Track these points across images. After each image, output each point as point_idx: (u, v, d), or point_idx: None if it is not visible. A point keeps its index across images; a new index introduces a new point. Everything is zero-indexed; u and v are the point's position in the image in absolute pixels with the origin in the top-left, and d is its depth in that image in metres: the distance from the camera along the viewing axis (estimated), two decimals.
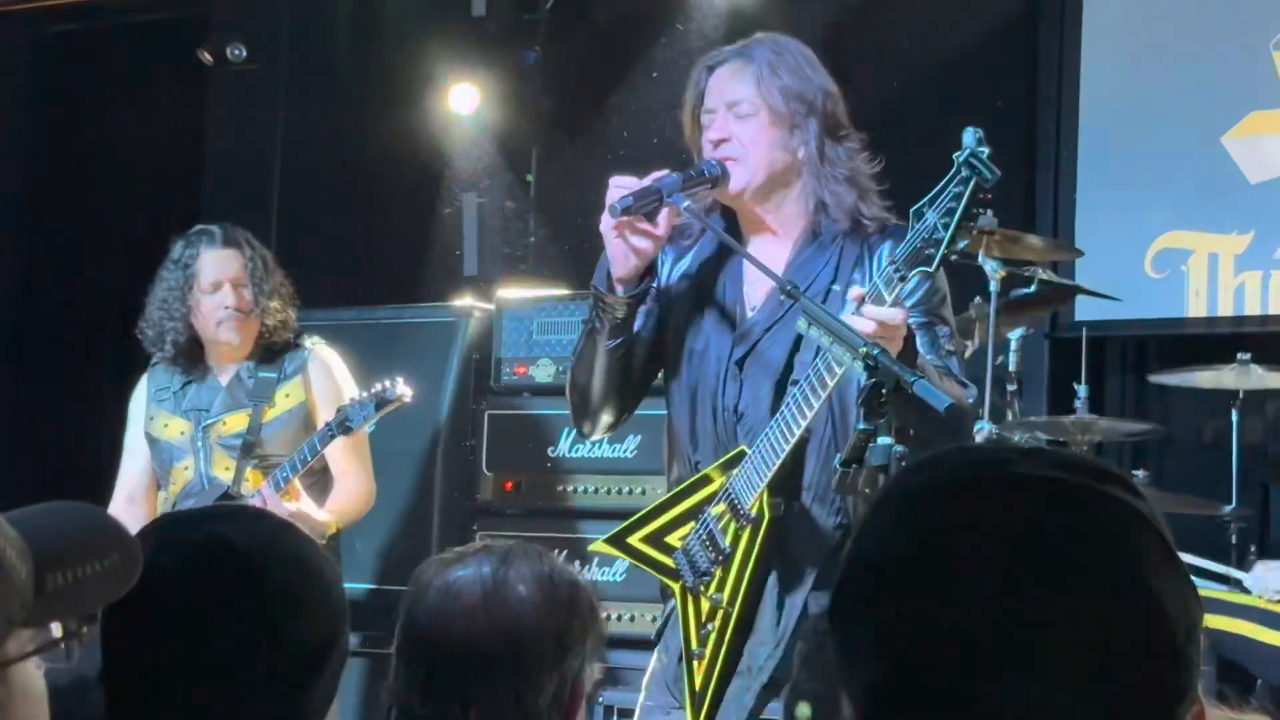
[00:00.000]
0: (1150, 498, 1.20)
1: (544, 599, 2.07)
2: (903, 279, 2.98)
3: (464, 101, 7.05)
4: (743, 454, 3.23)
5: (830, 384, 3.06)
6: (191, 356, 4.83)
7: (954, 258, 3.00)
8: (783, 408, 3.16)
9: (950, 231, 2.91)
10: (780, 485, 3.23)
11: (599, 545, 3.47)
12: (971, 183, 2.89)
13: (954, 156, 2.91)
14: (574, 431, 5.64)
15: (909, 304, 3.05)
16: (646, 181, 3.30)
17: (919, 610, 1.14)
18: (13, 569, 1.22)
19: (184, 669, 1.69)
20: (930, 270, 2.95)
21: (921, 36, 6.51)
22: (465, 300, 6.19)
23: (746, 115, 3.36)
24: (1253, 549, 5.31)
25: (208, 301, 4.74)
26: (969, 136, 2.90)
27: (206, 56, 7.04)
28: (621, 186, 3.29)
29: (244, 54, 6.99)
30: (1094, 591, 1.12)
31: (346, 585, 6.20)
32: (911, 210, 3.00)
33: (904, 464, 1.35)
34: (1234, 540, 5.30)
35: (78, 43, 7.79)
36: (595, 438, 3.66)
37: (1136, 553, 1.15)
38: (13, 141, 7.76)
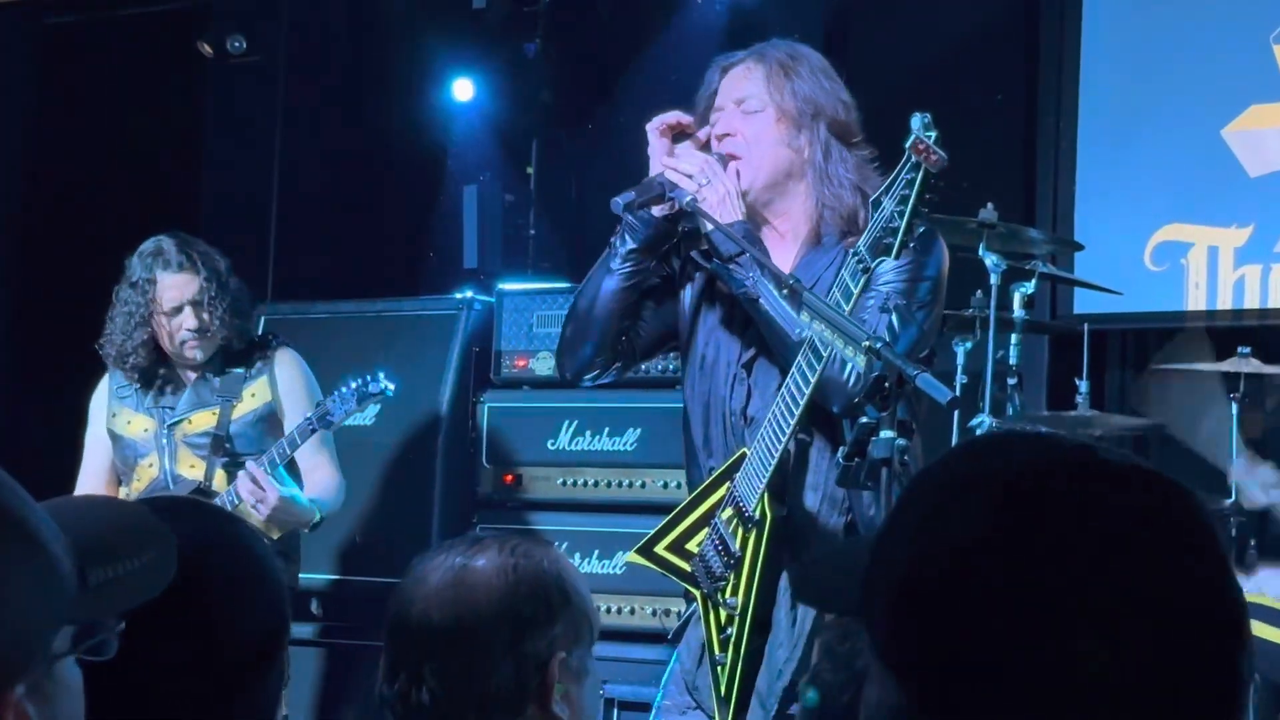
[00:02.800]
0: None
1: (501, 583, 2.09)
2: (866, 270, 3.01)
3: (463, 94, 7.05)
4: (744, 457, 3.23)
5: (814, 379, 3.06)
6: (153, 369, 4.89)
7: (912, 244, 3.02)
8: (772, 407, 3.16)
9: (905, 219, 2.93)
10: (784, 485, 3.23)
11: (632, 556, 3.48)
12: (921, 168, 2.90)
13: (904, 145, 2.93)
14: (574, 424, 5.67)
15: (874, 285, 3.08)
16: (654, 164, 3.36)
17: (973, 609, 1.11)
18: (59, 564, 1.22)
19: (123, 682, 1.63)
20: (892, 258, 2.98)
21: (921, 30, 6.51)
22: (465, 293, 6.19)
23: (753, 111, 3.36)
24: (1252, 543, 5.30)
25: (169, 324, 4.79)
26: (915, 122, 2.91)
27: (206, 48, 7.04)
28: (664, 120, 3.38)
29: (244, 46, 6.99)
30: (1172, 589, 1.10)
31: (346, 578, 6.20)
32: (870, 200, 3.02)
33: (949, 453, 1.30)
34: (1233, 534, 5.30)
35: (76, 35, 7.77)
36: (570, 376, 3.56)
37: (1218, 551, 1.13)
38: (11, 133, 7.75)
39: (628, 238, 3.38)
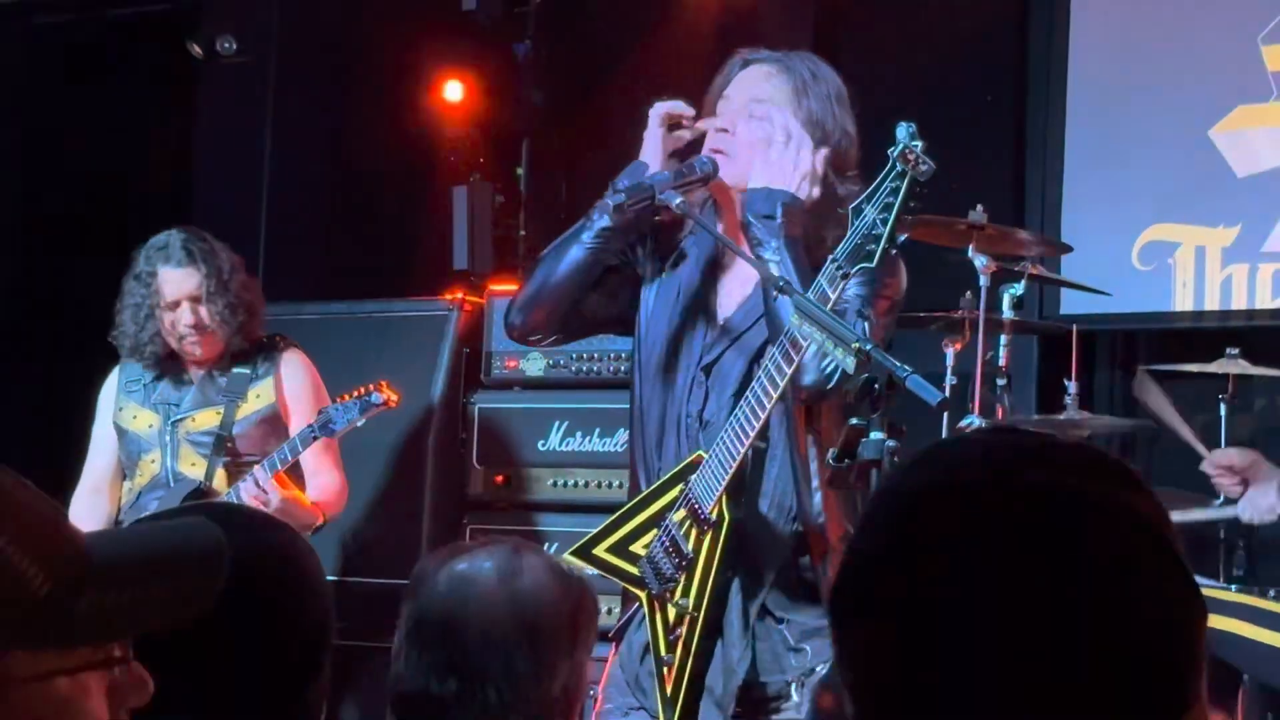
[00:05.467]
0: None
1: (559, 587, 2.12)
2: (845, 276, 2.99)
3: (453, 94, 7.05)
4: (699, 460, 3.23)
5: (781, 384, 3.05)
6: (167, 361, 4.92)
7: (894, 251, 3.02)
8: (736, 410, 3.15)
9: (889, 227, 2.92)
10: (740, 490, 3.22)
11: (568, 557, 3.47)
12: (907, 177, 2.90)
13: (889, 151, 2.92)
14: (564, 425, 5.67)
15: (846, 293, 3.07)
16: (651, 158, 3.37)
17: (908, 612, 1.15)
18: (20, 577, 1.14)
19: (173, 691, 1.62)
20: (871, 266, 2.97)
21: (910, 31, 6.52)
22: (455, 294, 6.19)
23: (760, 118, 3.36)
24: (1240, 543, 5.32)
25: (169, 318, 4.82)
26: (902, 131, 2.91)
27: (196, 49, 7.03)
28: (665, 107, 3.43)
29: (234, 47, 6.98)
30: (1079, 607, 1.12)
31: (337, 578, 6.21)
32: (850, 207, 3.01)
33: (905, 458, 1.37)
34: (1221, 535, 5.32)
35: (67, 35, 7.77)
36: (517, 335, 3.57)
37: (1127, 567, 1.15)
38: (1, 134, 7.74)
39: (605, 216, 3.38)
